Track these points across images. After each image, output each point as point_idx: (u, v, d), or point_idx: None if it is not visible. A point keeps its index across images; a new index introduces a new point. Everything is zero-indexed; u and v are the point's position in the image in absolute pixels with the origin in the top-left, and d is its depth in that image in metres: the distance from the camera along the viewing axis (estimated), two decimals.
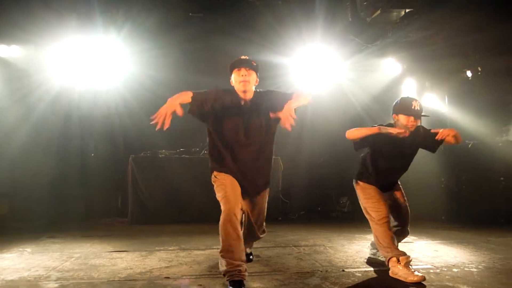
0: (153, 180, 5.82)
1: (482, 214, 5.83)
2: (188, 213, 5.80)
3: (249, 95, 2.93)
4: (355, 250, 3.95)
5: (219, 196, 2.86)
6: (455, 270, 3.19)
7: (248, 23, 5.83)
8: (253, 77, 2.92)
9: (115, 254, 3.73)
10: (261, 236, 3.28)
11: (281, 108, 2.73)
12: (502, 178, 6.04)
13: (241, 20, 5.77)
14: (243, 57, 2.96)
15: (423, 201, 6.26)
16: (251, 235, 3.17)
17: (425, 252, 3.89)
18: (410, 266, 2.95)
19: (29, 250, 3.93)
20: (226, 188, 2.81)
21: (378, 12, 5.14)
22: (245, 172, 2.92)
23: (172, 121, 7.64)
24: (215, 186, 2.93)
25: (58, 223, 5.51)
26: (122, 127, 6.71)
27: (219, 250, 2.76)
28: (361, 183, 3.40)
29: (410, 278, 2.83)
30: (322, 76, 6.45)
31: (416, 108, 3.16)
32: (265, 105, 2.91)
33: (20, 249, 3.96)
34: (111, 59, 5.76)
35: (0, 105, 5.77)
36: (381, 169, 3.33)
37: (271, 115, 2.83)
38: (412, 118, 3.16)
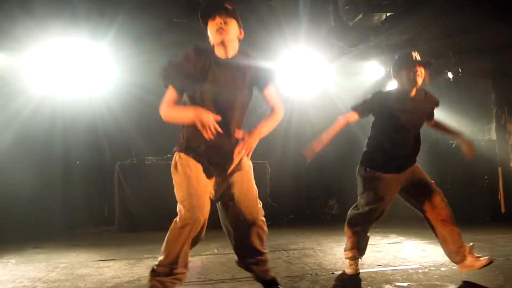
0: (140, 187, 5.75)
1: (468, 213, 5.93)
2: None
3: (231, 51, 2.31)
4: None
5: None
6: (443, 269, 3.23)
7: None
8: (233, 27, 2.27)
9: (102, 263, 3.67)
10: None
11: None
12: (486, 177, 6.18)
13: None
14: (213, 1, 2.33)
15: None
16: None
17: (413, 252, 3.93)
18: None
19: (13, 261, 3.83)
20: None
21: (360, 16, 5.23)
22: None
23: (158, 127, 7.59)
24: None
25: (43, 233, 5.39)
26: (107, 134, 6.63)
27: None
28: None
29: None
30: (306, 80, 6.51)
31: (417, 58, 2.81)
32: (251, 74, 2.39)
33: (4, 260, 3.86)
34: (96, 66, 5.70)
35: None
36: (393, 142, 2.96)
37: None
38: (415, 68, 2.79)
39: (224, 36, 2.22)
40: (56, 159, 6.18)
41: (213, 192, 2.37)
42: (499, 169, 6.32)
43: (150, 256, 3.93)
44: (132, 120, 6.62)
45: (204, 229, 2.35)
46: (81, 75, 5.76)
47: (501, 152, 6.34)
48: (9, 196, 5.59)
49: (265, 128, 2.40)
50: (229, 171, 2.38)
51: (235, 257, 2.60)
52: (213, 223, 6.11)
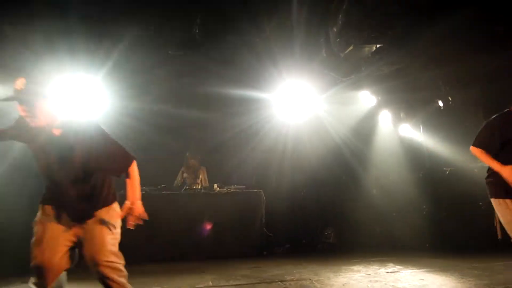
0: None
1: (465, 240, 5.90)
2: (170, 252, 5.64)
3: (50, 125, 2.37)
4: (342, 283, 3.90)
5: None
6: None
7: (227, 60, 5.97)
8: (36, 109, 2.27)
9: None
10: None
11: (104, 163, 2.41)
12: (480, 203, 6.18)
13: (220, 57, 5.91)
14: (17, 86, 2.29)
15: (406, 230, 6.33)
16: None
17: (411, 281, 3.88)
18: None
19: None
20: None
21: (351, 48, 5.37)
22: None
23: (151, 157, 7.57)
24: None
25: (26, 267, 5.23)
26: None
27: None
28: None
29: None
30: (300, 109, 6.61)
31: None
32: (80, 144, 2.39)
33: None
34: (91, 97, 5.75)
35: None
36: None
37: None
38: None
39: (35, 123, 2.30)
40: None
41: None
42: None
43: None
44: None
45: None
46: (75, 107, 5.79)
47: None
48: (0, 229, 5.47)
49: (137, 193, 2.57)
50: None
51: None
52: (210, 254, 6.03)
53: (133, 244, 5.55)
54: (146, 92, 6.26)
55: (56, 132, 2.39)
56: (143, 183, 6.65)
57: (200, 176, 6.62)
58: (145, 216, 2.50)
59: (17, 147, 5.78)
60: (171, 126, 6.97)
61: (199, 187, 6.30)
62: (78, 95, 5.69)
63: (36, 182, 6.09)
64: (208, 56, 5.78)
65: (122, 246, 5.80)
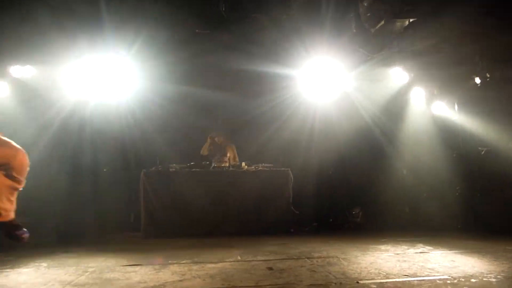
0: (164, 194, 5.85)
1: (499, 222, 5.73)
2: (199, 227, 5.81)
3: None
4: (369, 261, 3.90)
5: None
6: (473, 280, 3.13)
7: (253, 38, 5.92)
8: None
9: (129, 268, 3.75)
10: None
11: None
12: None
13: (247, 35, 5.86)
14: None
15: (438, 210, 6.20)
16: None
17: (441, 262, 3.83)
18: None
19: (45, 264, 3.97)
20: None
21: (382, 22, 5.19)
22: None
23: (181, 135, 7.72)
24: None
25: (73, 238, 5.55)
26: (133, 142, 6.82)
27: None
28: None
29: None
30: (329, 87, 6.49)
31: None
32: None
33: (36, 263, 4.00)
34: (121, 76, 5.88)
35: (16, 124, 5.90)
36: None
37: None
38: None
39: None
40: (85, 166, 6.40)
41: None
42: None
43: (175, 262, 3.99)
44: (155, 128, 6.80)
45: None
46: (108, 86, 5.96)
47: None
48: (42, 202, 5.80)
49: None
50: None
51: None
52: (238, 231, 6.16)
53: (166, 220, 5.80)
54: (174, 71, 6.33)
55: None
56: (174, 161, 6.89)
57: (228, 154, 6.70)
58: None
59: (56, 124, 6.06)
60: (199, 104, 7.05)
61: (227, 164, 6.38)
62: (109, 75, 5.83)
63: (72, 157, 6.43)
64: (235, 34, 5.75)
65: (156, 222, 6.09)
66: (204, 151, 6.78)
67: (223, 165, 6.33)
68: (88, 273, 3.57)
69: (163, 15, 5.43)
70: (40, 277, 3.44)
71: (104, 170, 6.74)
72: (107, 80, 5.89)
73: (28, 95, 5.99)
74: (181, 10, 5.42)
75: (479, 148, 6.07)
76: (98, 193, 6.36)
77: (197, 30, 5.78)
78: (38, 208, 5.76)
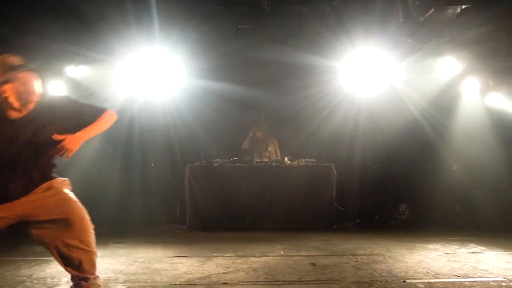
0: (208, 188, 6.00)
1: None
2: (242, 220, 5.90)
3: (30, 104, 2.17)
4: (416, 260, 3.77)
5: None
6: None
7: (296, 31, 5.88)
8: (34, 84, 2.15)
9: (175, 259, 3.90)
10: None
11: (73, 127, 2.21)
12: None
13: (290, 29, 5.83)
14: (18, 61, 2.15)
15: (492, 208, 5.85)
16: None
17: (495, 263, 3.62)
18: None
19: (98, 254, 4.21)
20: None
21: (432, 10, 4.95)
22: None
23: (225, 131, 7.83)
24: None
25: (123, 229, 5.85)
26: (178, 137, 7.03)
27: None
28: None
29: None
30: (374, 79, 6.29)
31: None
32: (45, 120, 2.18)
33: None
34: (167, 73, 6.07)
35: None
36: None
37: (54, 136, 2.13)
38: None
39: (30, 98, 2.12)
40: (135, 161, 6.71)
41: None
42: None
43: (219, 255, 4.09)
44: (200, 123, 6.97)
45: None
46: (155, 83, 6.17)
47: None
48: (96, 194, 6.15)
49: (89, 133, 2.27)
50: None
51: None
52: (280, 226, 6.18)
53: (210, 213, 5.95)
54: (218, 67, 6.43)
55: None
56: (217, 156, 7.02)
57: (269, 148, 6.72)
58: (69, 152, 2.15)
59: None
60: (242, 100, 7.11)
61: (269, 159, 6.40)
62: (155, 73, 6.04)
63: (123, 152, 6.74)
64: (278, 28, 5.73)
65: (201, 215, 6.25)
66: (246, 145, 6.86)
67: (265, 160, 6.36)
68: (138, 263, 3.76)
69: (207, 11, 5.54)
70: None
71: (152, 164, 7.01)
72: (154, 78, 6.10)
73: (82, 93, 6.34)
74: (225, 6, 5.50)
75: None
76: (146, 187, 6.64)
77: (240, 26, 5.84)
78: (93, 200, 6.12)
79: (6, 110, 2.14)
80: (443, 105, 6.61)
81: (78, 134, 2.20)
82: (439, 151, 6.60)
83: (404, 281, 3.04)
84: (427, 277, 3.17)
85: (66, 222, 2.17)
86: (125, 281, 3.11)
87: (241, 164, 6.27)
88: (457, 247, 4.42)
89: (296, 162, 6.26)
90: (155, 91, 6.35)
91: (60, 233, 2.16)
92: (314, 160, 6.36)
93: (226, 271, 3.43)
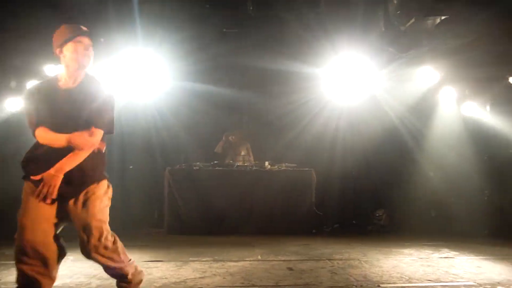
0: (188, 192, 5.96)
1: None
2: (222, 225, 5.87)
3: (80, 75, 2.29)
4: (392, 265, 3.83)
5: None
6: (499, 287, 3.02)
7: (281, 36, 5.92)
8: (91, 54, 2.29)
9: (151, 264, 3.85)
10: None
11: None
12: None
13: (274, 34, 5.88)
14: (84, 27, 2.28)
15: (465, 215, 6.00)
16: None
17: (467, 268, 3.71)
18: None
19: (71, 258, 4.08)
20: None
21: (412, 20, 5.06)
22: None
23: (207, 134, 7.79)
24: None
25: None
26: (160, 141, 6.97)
27: None
28: None
29: None
30: (355, 86, 6.39)
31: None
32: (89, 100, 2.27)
33: None
34: (150, 75, 6.01)
35: None
36: None
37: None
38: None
39: (87, 62, 2.26)
40: (113, 163, 6.59)
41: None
42: None
43: (196, 259, 4.06)
44: (182, 126, 6.93)
45: None
46: (137, 84, 6.10)
47: None
48: None
49: (66, 165, 2.19)
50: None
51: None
52: (260, 230, 6.18)
53: (189, 217, 5.91)
54: (202, 70, 6.42)
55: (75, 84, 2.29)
56: (200, 159, 6.98)
57: (242, 153, 6.75)
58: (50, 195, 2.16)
59: None
60: (225, 103, 7.12)
61: (242, 163, 6.43)
62: (137, 73, 5.97)
63: (118, 151, 6.56)
64: (262, 33, 5.77)
65: (180, 219, 6.18)
66: (218, 149, 6.88)
67: (246, 164, 6.37)
68: None
69: (192, 14, 5.52)
70: (66, 269, 3.55)
71: (131, 167, 6.92)
72: (136, 78, 6.04)
73: None
74: (210, 9, 5.49)
75: (510, 150, 5.82)
76: (124, 190, 6.54)
77: (224, 29, 5.84)
78: None
79: (59, 79, 2.26)
80: (421, 113, 6.77)
81: (56, 168, 2.15)
82: (416, 157, 6.74)
83: (379, 286, 3.08)
84: (401, 282, 3.23)
85: None
86: (98, 286, 3.06)
87: (221, 168, 6.25)
88: (431, 252, 4.51)
89: (276, 167, 6.29)
90: (137, 93, 6.28)
91: None
92: (295, 165, 6.41)
93: (202, 275, 3.41)
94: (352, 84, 6.36)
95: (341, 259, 4.11)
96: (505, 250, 4.58)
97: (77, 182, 2.26)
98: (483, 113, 6.55)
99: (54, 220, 2.27)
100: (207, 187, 5.98)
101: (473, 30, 5.26)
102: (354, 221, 6.78)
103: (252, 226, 5.82)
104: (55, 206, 2.24)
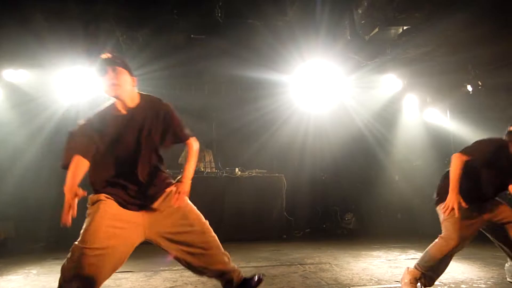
0: None
1: None
2: None
3: (130, 101, 2.31)
4: (361, 268, 3.91)
5: None
6: (463, 286, 3.16)
7: (249, 43, 5.95)
8: (123, 79, 2.28)
9: (120, 275, 3.72)
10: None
11: (170, 141, 2.35)
12: (507, 192, 6.00)
13: (242, 41, 5.89)
14: (103, 56, 2.32)
15: (430, 217, 6.22)
16: None
17: None
18: None
19: (34, 272, 3.93)
20: None
21: (376, 30, 5.24)
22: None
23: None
24: None
25: (63, 244, 5.49)
26: None
27: None
28: None
29: None
30: (323, 93, 6.53)
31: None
32: (152, 120, 2.32)
33: (26, 271, 3.96)
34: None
35: (8, 128, 5.86)
36: None
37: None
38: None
39: (117, 91, 2.26)
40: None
41: None
42: None
43: (166, 268, 3.97)
44: None
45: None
46: (101, 91, 5.92)
47: None
48: (33, 208, 5.75)
49: (191, 170, 2.38)
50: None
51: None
52: (231, 237, 6.13)
53: None
54: (169, 76, 6.33)
55: (131, 105, 2.32)
56: (168, 166, 6.83)
57: (207, 159, 6.72)
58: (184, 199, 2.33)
59: (49, 129, 6.02)
60: (193, 110, 7.04)
61: (203, 169, 6.39)
62: (101, 80, 5.80)
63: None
64: (230, 40, 5.77)
65: None
66: (182, 160, 6.66)
67: (214, 170, 6.33)
68: None
69: (159, 20, 5.44)
70: (29, 284, 3.41)
71: None
72: (101, 85, 5.86)
73: (21, 99, 5.95)
74: (177, 15, 5.44)
75: None
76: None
77: (192, 35, 5.80)
78: (29, 214, 5.72)
79: (116, 106, 2.30)
80: (386, 119, 7.01)
81: (186, 177, 2.34)
82: (382, 162, 6.96)
83: None
84: (371, 284, 3.29)
85: None
86: None
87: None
88: (398, 253, 4.65)
89: (247, 173, 6.29)
90: (102, 99, 6.08)
91: None
92: (265, 171, 6.43)
93: (173, 285, 3.33)
94: (320, 91, 6.50)
95: (312, 263, 4.15)
96: (467, 250, 4.75)
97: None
98: (443, 119, 6.87)
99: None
100: None
101: (432, 40, 5.52)
102: (324, 225, 6.88)
103: (223, 233, 5.68)
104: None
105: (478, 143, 2.93)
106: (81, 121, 2.30)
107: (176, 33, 5.66)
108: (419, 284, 2.87)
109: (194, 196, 6.04)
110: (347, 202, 7.02)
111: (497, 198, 3.02)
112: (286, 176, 6.27)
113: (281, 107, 6.90)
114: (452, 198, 2.71)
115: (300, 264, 4.11)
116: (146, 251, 5.02)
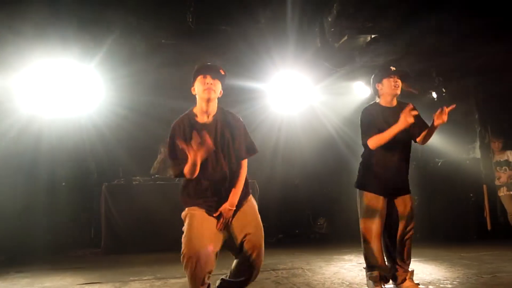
0: (127, 208, 5.68)
1: (455, 231, 5.98)
2: (164, 241, 5.65)
3: (212, 109, 2.59)
4: (333, 272, 3.95)
5: None
6: (430, 287, 3.23)
7: (221, 50, 5.93)
8: (218, 87, 2.57)
9: (86, 287, 3.59)
10: None
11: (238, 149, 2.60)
12: (471, 195, 6.26)
13: (214, 47, 5.87)
14: (210, 63, 2.61)
15: None
16: None
17: None
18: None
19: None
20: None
21: (345, 38, 5.35)
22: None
23: (145, 147, 7.49)
24: None
25: (27, 256, 5.25)
26: (95, 155, 6.58)
27: None
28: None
29: None
30: (294, 100, 6.60)
31: (394, 69, 3.07)
32: (228, 130, 2.60)
33: None
34: (84, 86, 5.69)
35: None
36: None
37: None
38: (395, 78, 3.07)
39: (211, 94, 2.51)
40: (41, 180, 6.07)
41: None
42: (484, 186, 6.40)
43: (136, 278, 3.86)
44: (119, 140, 6.61)
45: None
46: (69, 95, 5.74)
47: (486, 170, 6.45)
48: None
49: (235, 198, 2.61)
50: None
51: None
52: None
53: (128, 235, 5.62)
54: (139, 82, 6.21)
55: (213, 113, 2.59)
56: (138, 172, 6.66)
57: None
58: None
59: (10, 136, 5.74)
60: (164, 115, 6.92)
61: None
62: (72, 85, 5.63)
63: (28, 170, 6.07)
64: (202, 46, 5.74)
65: (118, 237, 5.83)
66: (154, 170, 6.46)
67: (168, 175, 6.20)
68: None
69: (129, 24, 5.34)
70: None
71: (63, 184, 6.44)
72: (68, 89, 5.67)
73: None
74: (148, 20, 5.36)
75: (436, 159, 6.34)
76: (55, 209, 6.07)
77: (163, 41, 5.72)
78: None
79: (196, 114, 2.57)
80: (356, 125, 7.14)
81: (231, 202, 2.57)
82: (352, 166, 7.08)
83: None
84: (342, 287, 3.33)
85: None
86: None
87: (163, 182, 6.06)
88: None
89: None
90: (69, 104, 5.89)
91: None
92: None
93: None
94: (292, 98, 6.56)
95: (285, 269, 4.15)
96: (434, 252, 4.94)
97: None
98: None
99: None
100: (147, 202, 5.74)
101: (399, 49, 5.70)
102: (297, 231, 6.91)
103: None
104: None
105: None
106: (175, 128, 2.60)
107: (147, 38, 5.57)
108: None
109: (167, 203, 5.88)
110: (319, 207, 7.09)
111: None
112: (258, 182, 6.27)
113: (253, 113, 6.91)
114: (401, 119, 2.85)
115: (273, 270, 4.10)
116: (116, 261, 4.89)
